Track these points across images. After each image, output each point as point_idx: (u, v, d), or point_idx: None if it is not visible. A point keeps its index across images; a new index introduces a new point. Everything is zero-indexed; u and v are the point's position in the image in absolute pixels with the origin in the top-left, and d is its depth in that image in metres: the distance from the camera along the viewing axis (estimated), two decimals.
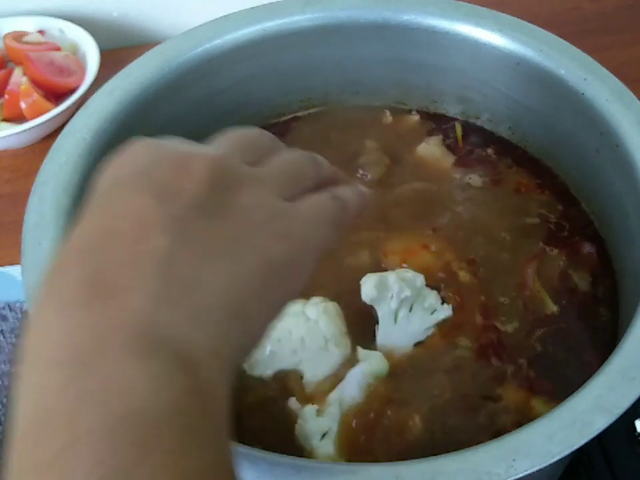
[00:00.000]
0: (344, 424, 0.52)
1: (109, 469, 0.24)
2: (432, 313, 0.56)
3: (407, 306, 0.55)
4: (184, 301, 0.28)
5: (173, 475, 0.24)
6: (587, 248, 0.63)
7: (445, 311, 0.56)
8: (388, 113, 0.75)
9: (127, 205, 0.30)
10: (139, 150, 0.33)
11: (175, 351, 0.27)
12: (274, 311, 0.33)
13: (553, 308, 0.59)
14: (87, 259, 0.28)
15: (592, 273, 0.61)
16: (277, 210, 0.33)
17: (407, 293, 0.54)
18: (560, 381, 0.55)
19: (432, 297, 0.56)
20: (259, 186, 0.33)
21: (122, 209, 0.30)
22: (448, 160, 0.71)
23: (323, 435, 0.51)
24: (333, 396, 0.53)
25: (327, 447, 0.51)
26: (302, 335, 0.54)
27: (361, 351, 0.54)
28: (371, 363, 0.54)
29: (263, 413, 0.53)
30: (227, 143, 0.36)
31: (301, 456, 0.50)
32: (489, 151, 0.71)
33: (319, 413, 0.52)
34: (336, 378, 0.54)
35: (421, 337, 0.56)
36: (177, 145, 0.34)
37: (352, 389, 0.53)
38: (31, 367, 0.27)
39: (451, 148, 0.72)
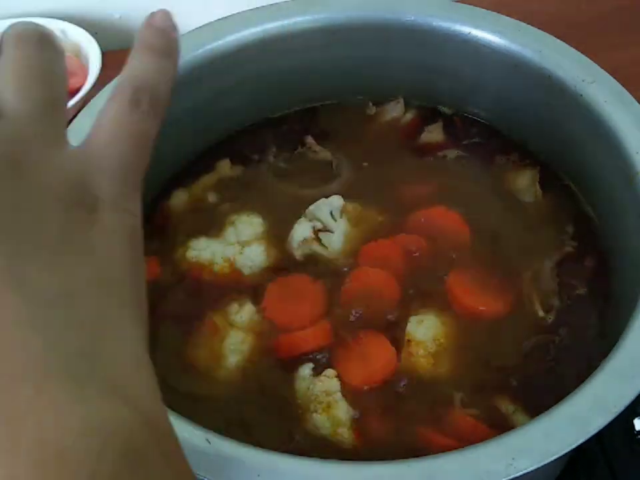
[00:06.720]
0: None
1: None
2: None
3: None
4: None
5: None
6: (587, 246, 0.63)
7: None
8: (386, 113, 0.75)
9: None
10: None
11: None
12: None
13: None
14: None
15: (590, 271, 0.62)
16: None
17: None
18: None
19: None
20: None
21: None
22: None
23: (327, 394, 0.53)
24: None
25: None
26: None
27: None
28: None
29: None
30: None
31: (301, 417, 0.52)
32: (488, 149, 0.72)
33: (315, 372, 0.55)
34: None
35: None
36: None
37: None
38: None
39: (451, 137, 0.72)
